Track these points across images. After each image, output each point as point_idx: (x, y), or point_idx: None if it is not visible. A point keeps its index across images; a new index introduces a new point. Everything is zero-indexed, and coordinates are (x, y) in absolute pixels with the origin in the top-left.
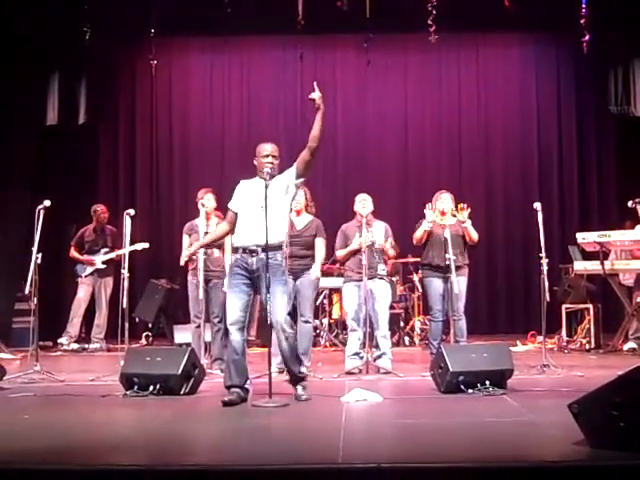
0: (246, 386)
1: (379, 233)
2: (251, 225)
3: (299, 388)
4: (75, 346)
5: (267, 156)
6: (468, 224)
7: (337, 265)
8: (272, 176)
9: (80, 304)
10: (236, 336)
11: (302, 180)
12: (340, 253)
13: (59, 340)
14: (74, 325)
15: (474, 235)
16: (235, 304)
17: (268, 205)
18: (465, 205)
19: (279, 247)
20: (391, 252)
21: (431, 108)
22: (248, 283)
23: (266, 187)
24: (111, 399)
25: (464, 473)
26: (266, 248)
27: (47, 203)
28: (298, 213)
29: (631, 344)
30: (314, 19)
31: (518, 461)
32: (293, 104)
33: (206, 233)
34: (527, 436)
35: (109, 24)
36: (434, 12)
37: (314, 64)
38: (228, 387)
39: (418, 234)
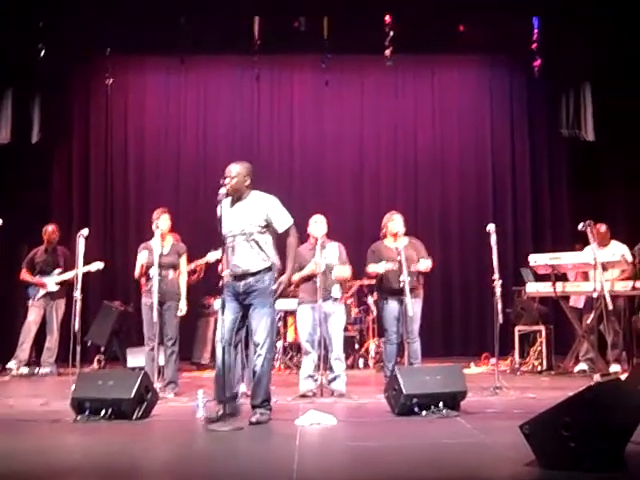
0: (237, 398)
1: (333, 254)
2: (234, 252)
3: (258, 413)
4: (25, 370)
5: (224, 177)
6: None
7: (292, 287)
8: (228, 195)
9: (30, 328)
10: (220, 353)
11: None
12: (293, 277)
13: (8, 365)
14: (24, 349)
15: (429, 265)
16: (223, 323)
17: (243, 231)
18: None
19: (267, 270)
20: (347, 273)
21: (387, 129)
22: (237, 303)
23: (219, 206)
24: (62, 424)
25: None
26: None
27: None
28: None
29: (582, 366)
30: (271, 39)
31: None
32: (250, 124)
33: (161, 254)
34: (480, 457)
35: (64, 42)
36: (391, 33)
37: (271, 84)
38: (218, 402)
39: (373, 269)
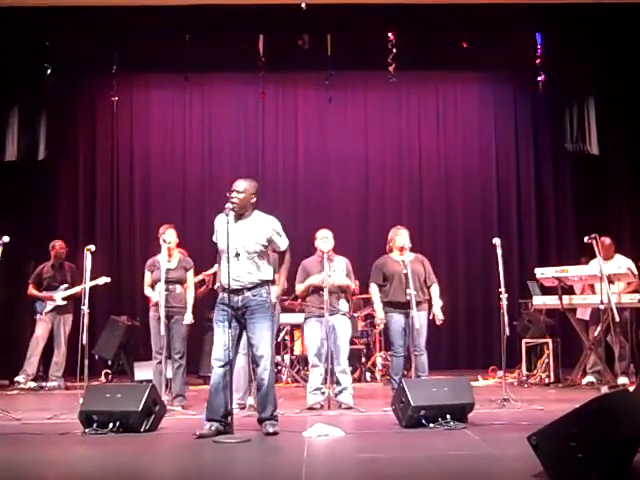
0: (225, 420)
1: (340, 268)
2: (233, 268)
3: (269, 424)
4: (32, 384)
5: (232, 191)
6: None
7: (299, 301)
8: (233, 210)
9: (38, 342)
10: (217, 371)
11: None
12: (299, 288)
13: (16, 378)
14: (31, 363)
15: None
16: (220, 341)
17: (245, 249)
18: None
19: (264, 284)
20: (347, 282)
21: (391, 145)
22: (233, 319)
23: (227, 222)
24: (70, 437)
25: None
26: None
27: (5, 239)
28: None
29: (589, 378)
30: (275, 57)
31: None
32: (254, 141)
33: (168, 269)
34: (488, 469)
35: (70, 60)
36: (394, 50)
37: (275, 101)
38: (207, 420)
39: (372, 294)
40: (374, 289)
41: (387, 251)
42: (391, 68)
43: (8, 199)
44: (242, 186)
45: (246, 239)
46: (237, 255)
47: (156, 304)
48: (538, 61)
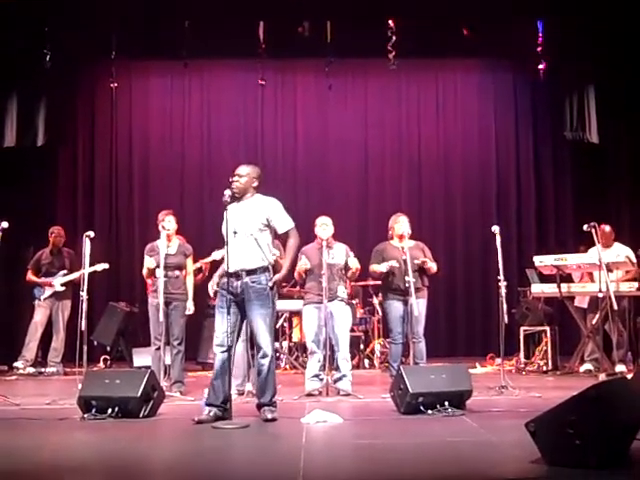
0: (224, 405)
1: (340, 254)
2: (232, 249)
3: (268, 410)
4: (31, 370)
5: (234, 175)
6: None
7: (297, 288)
8: (234, 194)
9: (37, 327)
10: (218, 357)
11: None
12: (298, 270)
13: (14, 364)
14: (30, 349)
15: (434, 268)
16: (220, 326)
17: (244, 228)
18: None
19: (264, 270)
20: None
21: (391, 132)
22: (234, 305)
23: (225, 209)
24: (69, 422)
25: None
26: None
27: (4, 225)
28: None
29: (587, 366)
30: (275, 44)
31: (477, 479)
32: (253, 127)
33: (167, 255)
34: (486, 455)
35: (69, 46)
36: (394, 37)
37: (275, 88)
38: (206, 405)
39: (376, 268)
40: (375, 267)
41: (388, 238)
42: (391, 55)
43: (7, 185)
44: (244, 170)
45: (245, 219)
46: (235, 233)
47: (155, 290)
48: (539, 49)
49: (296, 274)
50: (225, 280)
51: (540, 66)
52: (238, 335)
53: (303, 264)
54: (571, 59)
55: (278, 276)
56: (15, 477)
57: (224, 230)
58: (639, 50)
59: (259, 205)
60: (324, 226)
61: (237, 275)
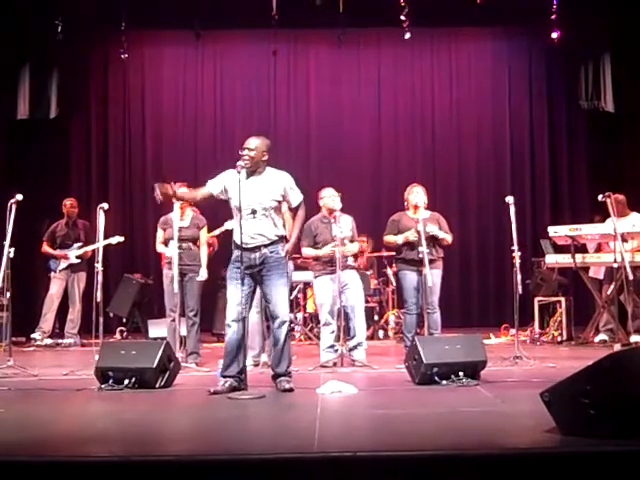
0: (239, 376)
1: (347, 228)
2: (251, 226)
3: (285, 380)
4: (48, 341)
5: (243, 149)
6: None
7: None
8: (245, 167)
9: (53, 299)
10: (232, 328)
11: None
12: (306, 252)
13: (32, 335)
14: (47, 320)
15: (449, 239)
16: (234, 299)
17: (261, 205)
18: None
19: (280, 240)
20: (356, 248)
21: (404, 102)
22: (247, 276)
23: (239, 180)
24: (86, 393)
25: (438, 460)
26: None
27: (19, 197)
28: None
29: (602, 336)
30: (288, 14)
31: (491, 448)
32: (266, 98)
33: (180, 227)
34: (500, 425)
35: (81, 17)
36: (407, 7)
37: (287, 58)
38: (221, 376)
39: (391, 239)
40: (390, 237)
41: (405, 209)
42: (405, 25)
43: (21, 157)
44: (254, 144)
45: (261, 195)
46: (254, 212)
47: (169, 262)
48: (554, 16)
49: (311, 254)
50: (238, 253)
51: (554, 34)
52: (250, 306)
53: (327, 250)
54: (587, 26)
55: (289, 245)
56: (34, 447)
57: (234, 201)
58: None
59: (274, 181)
60: (334, 197)
61: (254, 248)
